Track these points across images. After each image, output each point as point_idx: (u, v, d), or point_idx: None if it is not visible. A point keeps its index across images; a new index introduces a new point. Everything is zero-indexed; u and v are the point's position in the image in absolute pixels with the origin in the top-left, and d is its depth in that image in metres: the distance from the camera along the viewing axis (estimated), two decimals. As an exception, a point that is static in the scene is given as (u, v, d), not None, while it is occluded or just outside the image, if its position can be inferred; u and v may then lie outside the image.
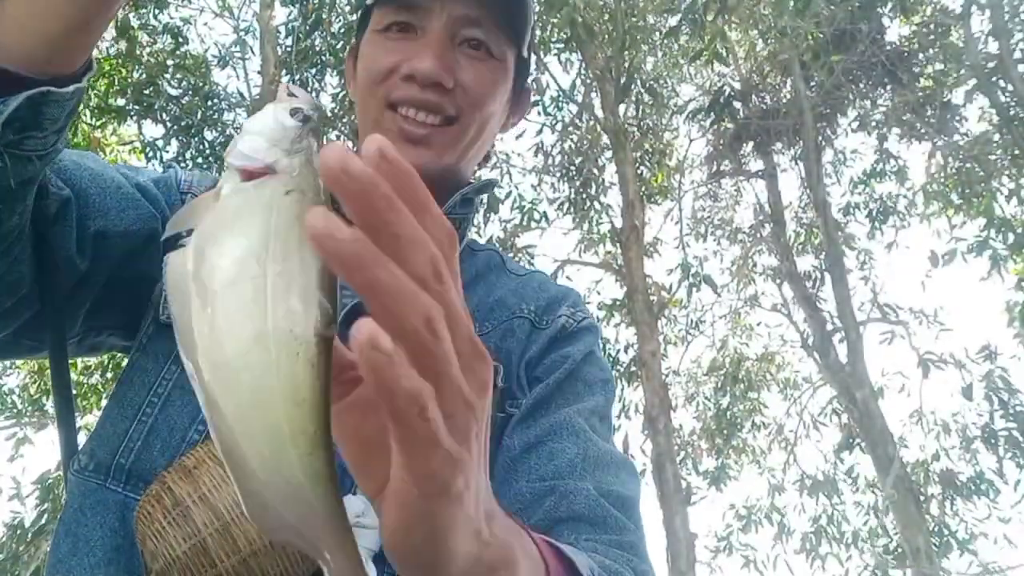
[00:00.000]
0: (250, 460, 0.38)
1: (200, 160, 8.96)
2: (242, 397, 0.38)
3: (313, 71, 9.02)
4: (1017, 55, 8.25)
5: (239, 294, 0.39)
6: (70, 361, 0.90)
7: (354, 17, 7.83)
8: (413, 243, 0.35)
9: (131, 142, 9.30)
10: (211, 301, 0.39)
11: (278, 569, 0.69)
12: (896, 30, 10.22)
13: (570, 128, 10.96)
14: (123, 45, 8.45)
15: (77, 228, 0.81)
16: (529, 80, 1.11)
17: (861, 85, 10.17)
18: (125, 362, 0.93)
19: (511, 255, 9.81)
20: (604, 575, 0.65)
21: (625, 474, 0.88)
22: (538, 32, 10.01)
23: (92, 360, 9.03)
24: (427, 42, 0.92)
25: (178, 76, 8.74)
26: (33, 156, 0.65)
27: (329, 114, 8.22)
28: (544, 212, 10.74)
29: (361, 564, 0.39)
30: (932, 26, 9.57)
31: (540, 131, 10.95)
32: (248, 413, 0.38)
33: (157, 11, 8.79)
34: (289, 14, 9.15)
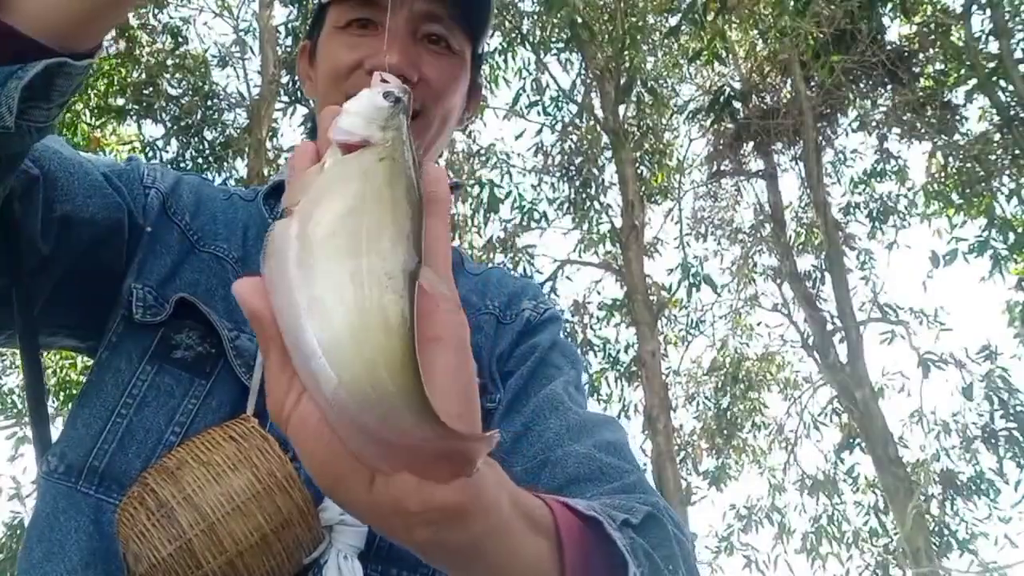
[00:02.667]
0: (346, 384, 0.40)
1: (200, 160, 8.96)
2: (338, 330, 0.41)
3: (313, 71, 9.01)
4: (1017, 55, 8.25)
5: (337, 243, 0.44)
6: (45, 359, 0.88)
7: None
8: None
9: (131, 142, 9.30)
10: (311, 251, 0.43)
11: (265, 568, 0.69)
12: (896, 30, 10.23)
13: (570, 128, 10.97)
14: (123, 45, 8.45)
15: (42, 210, 0.78)
16: (482, 76, 1.12)
17: (861, 85, 10.18)
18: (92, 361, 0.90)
19: (511, 255, 9.80)
20: (612, 512, 0.66)
21: (608, 430, 0.89)
22: (538, 32, 10.03)
23: (90, 361, 9.02)
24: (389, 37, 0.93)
25: (178, 76, 8.75)
26: (32, 128, 0.64)
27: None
28: (544, 212, 10.76)
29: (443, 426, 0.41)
30: (932, 26, 9.56)
31: (540, 131, 10.97)
32: (344, 342, 0.40)
33: (157, 11, 8.80)
34: (289, 14, 9.16)
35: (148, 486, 0.72)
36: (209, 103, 9.06)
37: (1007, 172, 9.35)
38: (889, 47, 9.77)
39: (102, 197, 0.86)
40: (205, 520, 0.68)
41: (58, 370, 8.94)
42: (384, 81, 0.57)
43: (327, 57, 0.97)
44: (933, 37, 9.60)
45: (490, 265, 1.38)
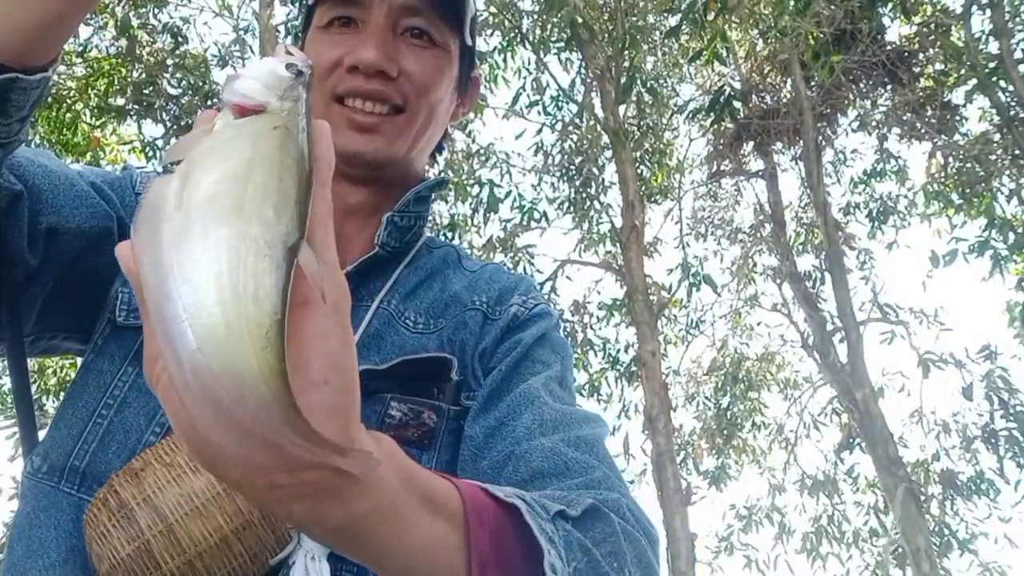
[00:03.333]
0: (206, 352, 0.38)
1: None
2: (205, 293, 0.39)
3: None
4: (1017, 55, 8.23)
5: (218, 206, 0.41)
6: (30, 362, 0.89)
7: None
8: None
9: (131, 142, 9.31)
10: (188, 212, 0.41)
11: (226, 569, 0.69)
12: (896, 30, 10.21)
13: (570, 128, 10.95)
14: (123, 44, 8.46)
15: (29, 224, 0.80)
16: (477, 68, 1.11)
17: (861, 85, 10.16)
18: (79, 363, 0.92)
19: (511, 255, 9.78)
20: (546, 502, 0.63)
21: (586, 425, 0.86)
22: (538, 32, 10.01)
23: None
24: (369, 33, 0.93)
25: (178, 75, 8.74)
26: None
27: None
28: (544, 212, 10.75)
29: (314, 433, 0.39)
30: (932, 26, 9.54)
31: (540, 131, 10.96)
32: (209, 307, 0.38)
33: (156, 10, 8.80)
34: (288, 13, 9.17)
35: (113, 487, 0.73)
36: (209, 102, 9.05)
37: (1007, 172, 9.33)
38: (889, 47, 9.76)
39: (89, 207, 0.87)
40: (164, 521, 0.68)
41: (58, 370, 8.95)
42: (288, 54, 0.55)
43: (310, 56, 0.97)
44: (933, 37, 9.59)
45: (489, 261, 1.36)
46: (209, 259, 0.40)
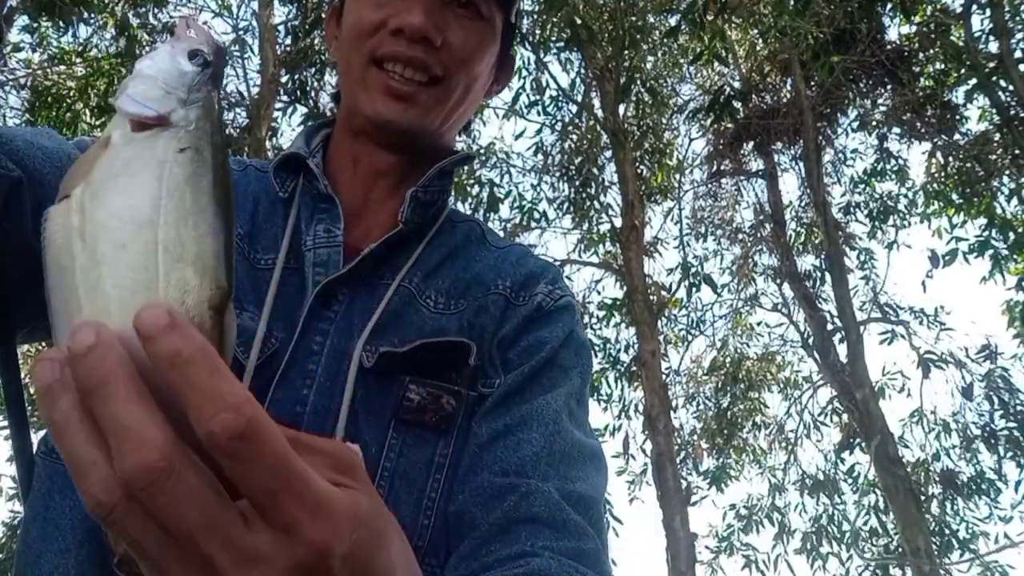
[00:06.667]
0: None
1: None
2: None
3: (312, 70, 9.01)
4: (1017, 55, 8.23)
5: (128, 260, 0.36)
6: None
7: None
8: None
9: (131, 142, 9.29)
10: (96, 264, 0.36)
11: None
12: (896, 30, 10.23)
13: (570, 128, 10.96)
14: (122, 44, 8.45)
15: (33, 211, 0.76)
16: (514, 47, 1.09)
17: (861, 85, 10.17)
18: None
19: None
20: None
21: (591, 468, 0.85)
22: (538, 32, 10.01)
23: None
24: None
25: (178, 75, 8.72)
26: None
27: (328, 112, 8.21)
28: (544, 212, 10.75)
29: None
30: (932, 26, 9.55)
31: (540, 131, 10.96)
32: None
33: (156, 10, 8.79)
34: (288, 13, 9.16)
35: None
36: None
37: (1007, 172, 9.34)
38: (889, 47, 9.76)
39: None
40: None
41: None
42: (191, 34, 0.45)
43: (352, 16, 0.95)
44: (933, 37, 9.59)
45: (515, 241, 1.31)
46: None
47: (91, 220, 0.37)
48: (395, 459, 0.83)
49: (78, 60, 8.76)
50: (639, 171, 10.50)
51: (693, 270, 10.50)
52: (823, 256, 10.38)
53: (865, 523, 10.87)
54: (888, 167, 10.83)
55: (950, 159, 9.96)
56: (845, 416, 10.55)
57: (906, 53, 9.78)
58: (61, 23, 7.87)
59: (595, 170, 10.74)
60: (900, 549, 9.29)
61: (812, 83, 10.10)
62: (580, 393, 0.91)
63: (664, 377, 9.38)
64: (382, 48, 0.91)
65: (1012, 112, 8.43)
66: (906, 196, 10.88)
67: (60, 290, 0.37)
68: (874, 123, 10.47)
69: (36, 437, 0.88)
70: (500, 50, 1.02)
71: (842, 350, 9.72)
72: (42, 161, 0.79)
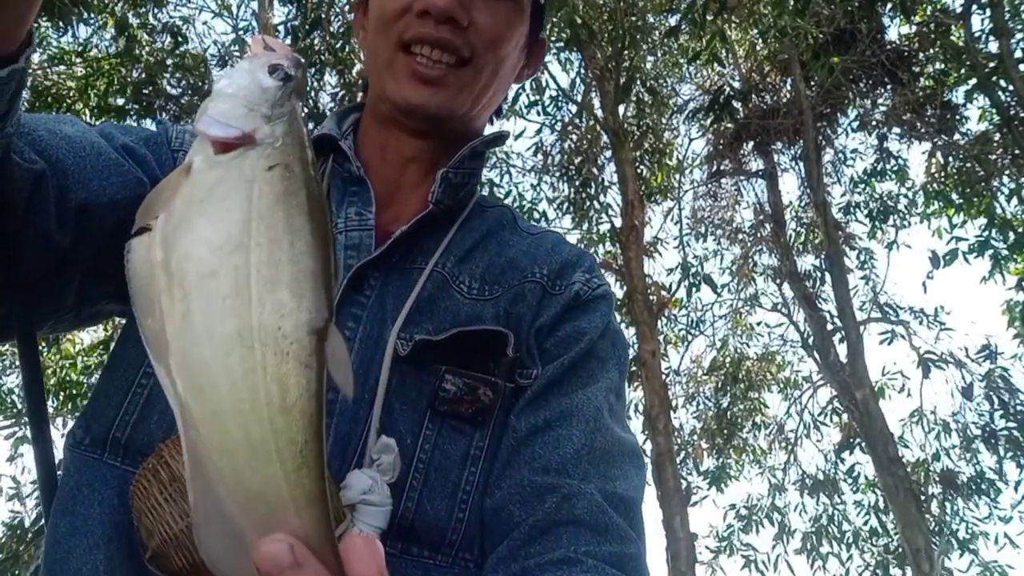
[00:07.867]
0: (225, 477, 0.31)
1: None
2: (220, 404, 0.32)
3: (312, 70, 9.01)
4: (1017, 55, 8.22)
5: (218, 287, 0.34)
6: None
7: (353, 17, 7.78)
8: None
9: (131, 142, 9.28)
10: (185, 296, 0.34)
11: None
12: (896, 30, 10.22)
13: (570, 128, 10.95)
14: (122, 44, 8.44)
15: (57, 203, 0.74)
16: (544, 28, 1.07)
17: (861, 85, 10.16)
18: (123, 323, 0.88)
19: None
20: None
21: (631, 467, 0.85)
22: (538, 32, 10.01)
23: (92, 360, 9.01)
24: None
25: (177, 75, 8.73)
26: None
27: (327, 112, 8.21)
28: (544, 212, 10.74)
29: None
30: (932, 26, 9.55)
31: (540, 131, 10.96)
32: (227, 422, 0.31)
33: (156, 10, 8.79)
34: (288, 13, 9.15)
35: (163, 458, 0.69)
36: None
37: (1007, 172, 9.34)
38: (889, 47, 9.76)
39: (119, 176, 0.82)
40: None
41: (58, 370, 8.92)
42: (267, 49, 0.42)
43: (377, 3, 0.94)
44: (933, 37, 9.59)
45: (548, 227, 1.29)
46: (218, 363, 0.32)
47: (176, 251, 0.35)
48: (430, 450, 0.81)
49: (78, 60, 8.75)
50: (639, 171, 10.49)
51: (693, 270, 10.51)
52: (823, 256, 10.38)
53: (865, 523, 10.88)
54: (888, 167, 10.83)
55: (950, 159, 9.95)
56: (845, 416, 10.55)
57: (906, 53, 9.78)
58: (61, 23, 7.87)
59: (595, 170, 10.73)
60: (900, 549, 9.29)
61: (812, 83, 10.10)
62: (619, 387, 0.91)
63: (664, 377, 9.37)
64: (409, 31, 0.90)
65: (1012, 112, 8.42)
66: (906, 196, 10.89)
67: (150, 326, 0.35)
68: (874, 123, 10.47)
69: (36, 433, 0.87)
70: (529, 32, 1.00)
71: (842, 350, 9.72)
72: (65, 151, 0.77)
